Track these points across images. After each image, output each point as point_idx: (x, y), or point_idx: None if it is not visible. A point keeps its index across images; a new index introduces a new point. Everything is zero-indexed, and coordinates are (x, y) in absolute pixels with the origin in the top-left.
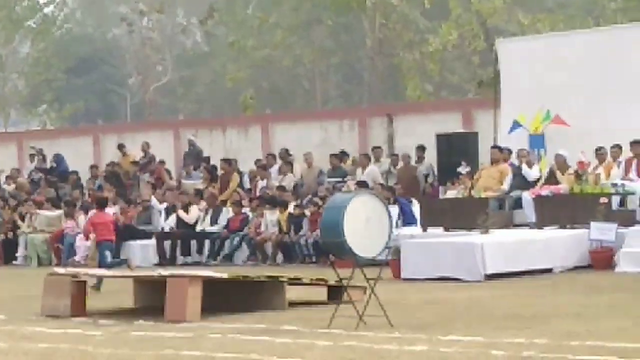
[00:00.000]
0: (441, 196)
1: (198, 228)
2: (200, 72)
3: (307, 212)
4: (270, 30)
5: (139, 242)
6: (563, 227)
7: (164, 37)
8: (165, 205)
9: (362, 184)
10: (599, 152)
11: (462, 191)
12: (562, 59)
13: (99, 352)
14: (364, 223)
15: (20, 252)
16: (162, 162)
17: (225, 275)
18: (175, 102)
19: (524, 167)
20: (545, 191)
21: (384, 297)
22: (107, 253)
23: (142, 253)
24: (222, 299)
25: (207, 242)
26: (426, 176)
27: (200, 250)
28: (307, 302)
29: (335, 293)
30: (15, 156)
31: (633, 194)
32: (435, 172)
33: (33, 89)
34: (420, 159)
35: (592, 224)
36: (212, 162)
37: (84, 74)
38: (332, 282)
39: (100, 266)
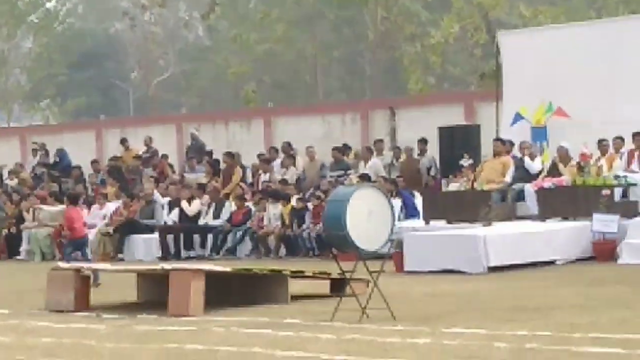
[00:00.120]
0: (444, 189)
1: (201, 222)
2: (203, 66)
3: (310, 206)
4: (272, 24)
5: (141, 236)
6: (565, 219)
7: (166, 31)
8: (168, 199)
9: (364, 177)
10: (602, 144)
11: (465, 184)
12: (564, 51)
13: (102, 346)
14: (367, 216)
15: (23, 247)
16: (164, 157)
17: (228, 269)
18: (177, 96)
19: (527, 159)
20: (548, 183)
21: (386, 290)
22: (71, 249)
23: (145, 247)
24: (225, 292)
25: (210, 236)
26: (428, 169)
27: (203, 244)
28: (310, 295)
29: (338, 286)
30: (18, 151)
31: (635, 185)
32: (438, 165)
33: (35, 84)
34: (422, 152)
35: (595, 215)
36: (214, 156)
37: (86, 69)
38: (335, 275)
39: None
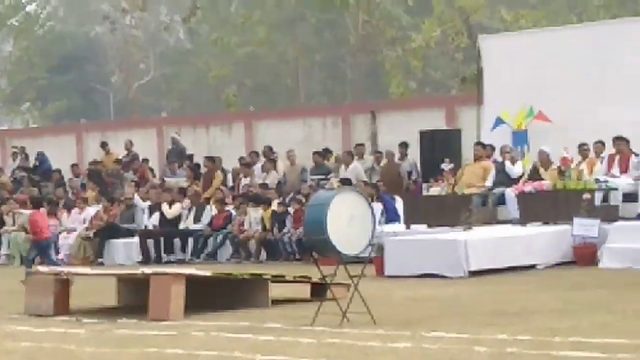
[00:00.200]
0: (424, 193)
1: (181, 226)
2: (184, 69)
3: (291, 210)
4: (253, 27)
5: (122, 240)
6: (546, 223)
7: (146, 34)
8: (148, 203)
9: (345, 181)
10: (582, 148)
11: (446, 188)
12: (545, 56)
13: (82, 350)
14: (347, 220)
15: (2, 251)
16: (145, 160)
17: (208, 273)
18: (158, 99)
19: (507, 163)
20: (529, 187)
21: (367, 294)
22: (35, 252)
23: (125, 251)
24: (206, 296)
25: (190, 240)
26: (409, 173)
27: (183, 249)
28: (290, 299)
29: (319, 290)
30: None
31: (616, 189)
32: (419, 169)
33: (16, 87)
34: (403, 156)
35: (575, 220)
36: (195, 160)
37: (67, 72)
38: (315, 280)
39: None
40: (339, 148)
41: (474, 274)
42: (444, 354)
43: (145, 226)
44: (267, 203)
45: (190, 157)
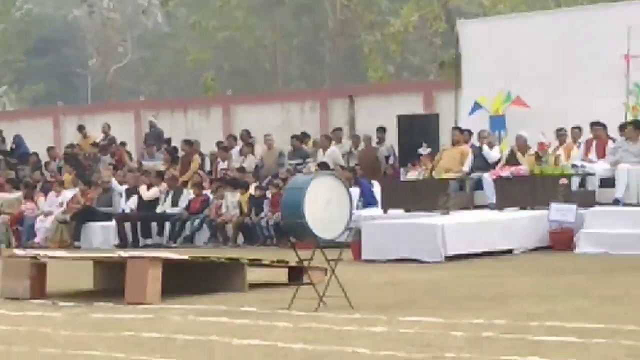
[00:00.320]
0: (402, 177)
1: (159, 210)
2: (161, 53)
3: (268, 194)
4: (231, 11)
5: (99, 224)
6: (523, 208)
7: (124, 18)
8: (125, 187)
9: (323, 166)
10: (560, 133)
11: (423, 172)
12: (523, 41)
13: (58, 334)
14: (325, 204)
15: None
16: (122, 144)
17: (185, 257)
18: (136, 83)
19: (485, 148)
20: (506, 172)
21: (344, 278)
22: None
23: (102, 235)
24: (183, 280)
25: (167, 224)
26: (387, 157)
27: (161, 232)
28: (267, 283)
29: (296, 274)
30: None
31: (593, 175)
32: (396, 154)
33: None
34: (381, 141)
35: (552, 205)
36: (173, 144)
37: (45, 55)
38: (292, 264)
39: None
40: (317, 132)
41: (451, 258)
42: (421, 338)
43: (123, 210)
44: (245, 187)
45: (168, 140)
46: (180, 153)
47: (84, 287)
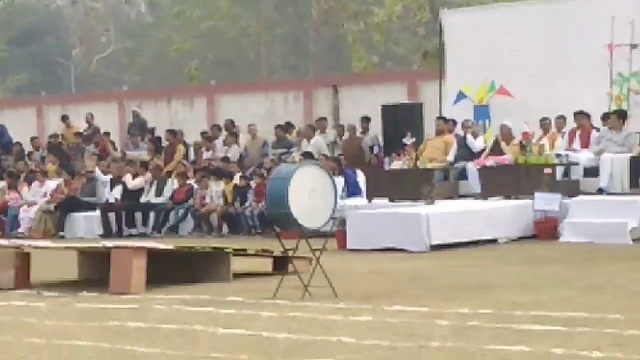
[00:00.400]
0: (386, 167)
1: (143, 199)
2: (145, 43)
3: (253, 184)
4: (215, 1)
5: (83, 214)
6: (508, 197)
7: (107, 7)
8: (109, 176)
9: (307, 155)
10: (544, 123)
11: (407, 162)
12: (507, 30)
13: (42, 324)
14: (309, 194)
15: None
16: (106, 134)
17: (170, 247)
18: (119, 73)
19: (469, 137)
20: (490, 162)
21: (329, 267)
22: None
23: (86, 225)
24: (167, 270)
25: (152, 214)
26: (371, 147)
27: (145, 222)
28: (252, 273)
29: (281, 264)
30: None
31: (577, 164)
32: (381, 143)
33: None
34: (365, 130)
35: (536, 194)
36: (157, 134)
37: (28, 45)
38: (277, 253)
39: None
40: (301, 122)
41: (435, 248)
42: (406, 327)
43: (107, 200)
44: (229, 177)
45: (152, 130)
46: (165, 143)
47: (69, 277)
